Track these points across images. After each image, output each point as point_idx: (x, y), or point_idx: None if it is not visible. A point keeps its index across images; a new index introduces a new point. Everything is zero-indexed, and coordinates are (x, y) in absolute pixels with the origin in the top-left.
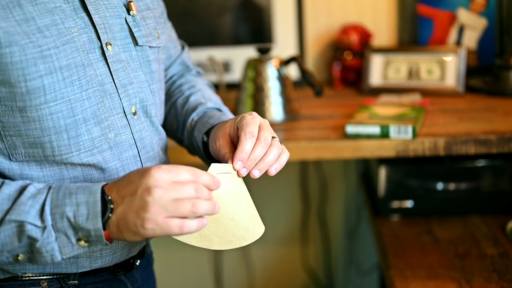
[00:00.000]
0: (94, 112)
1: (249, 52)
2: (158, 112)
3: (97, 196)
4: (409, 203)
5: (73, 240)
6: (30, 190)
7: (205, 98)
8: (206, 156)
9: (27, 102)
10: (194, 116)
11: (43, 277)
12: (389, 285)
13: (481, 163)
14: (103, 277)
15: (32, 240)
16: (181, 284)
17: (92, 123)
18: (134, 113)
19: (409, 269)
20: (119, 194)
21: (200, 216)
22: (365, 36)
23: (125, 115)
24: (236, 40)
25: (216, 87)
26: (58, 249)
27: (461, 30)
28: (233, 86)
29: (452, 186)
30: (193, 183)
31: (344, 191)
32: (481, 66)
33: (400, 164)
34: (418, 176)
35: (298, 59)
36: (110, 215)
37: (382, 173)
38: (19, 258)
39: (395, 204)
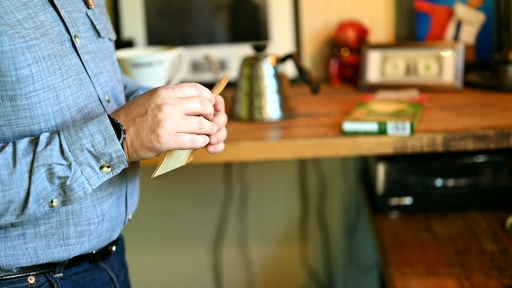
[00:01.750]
0: (75, 100)
1: (245, 50)
2: (124, 101)
3: (107, 122)
4: (408, 200)
5: (97, 168)
6: (42, 139)
7: (135, 83)
8: None
9: (17, 91)
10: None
11: (30, 273)
12: (389, 282)
13: (480, 159)
14: (85, 267)
15: (63, 179)
16: (180, 283)
17: (75, 110)
18: (108, 101)
19: (408, 266)
20: (128, 117)
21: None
22: (362, 33)
23: (101, 102)
24: (232, 38)
25: (213, 85)
26: (86, 181)
27: (458, 25)
28: (230, 85)
29: (451, 182)
30: (198, 97)
31: (343, 188)
32: (479, 61)
33: (399, 161)
34: (416, 173)
35: (294, 56)
36: (125, 135)
37: (381, 170)
38: (54, 204)
39: (394, 201)
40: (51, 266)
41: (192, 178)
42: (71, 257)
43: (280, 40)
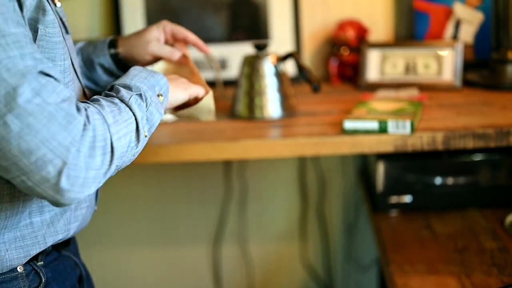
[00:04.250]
0: (75, 90)
1: (246, 48)
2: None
3: (139, 67)
4: (407, 198)
5: (155, 97)
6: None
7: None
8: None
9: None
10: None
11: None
12: (389, 280)
13: (479, 157)
14: (55, 256)
15: (146, 103)
16: (179, 282)
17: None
18: (86, 94)
19: (408, 265)
20: None
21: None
22: (361, 32)
23: (85, 95)
24: (232, 37)
25: (213, 84)
26: (155, 105)
27: (457, 25)
28: (230, 83)
29: (450, 180)
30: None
31: (342, 187)
32: (478, 60)
33: (398, 159)
34: (416, 171)
35: (295, 55)
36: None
37: (380, 169)
38: (146, 132)
39: (394, 199)
40: (35, 255)
41: (191, 176)
42: (57, 241)
43: (280, 39)
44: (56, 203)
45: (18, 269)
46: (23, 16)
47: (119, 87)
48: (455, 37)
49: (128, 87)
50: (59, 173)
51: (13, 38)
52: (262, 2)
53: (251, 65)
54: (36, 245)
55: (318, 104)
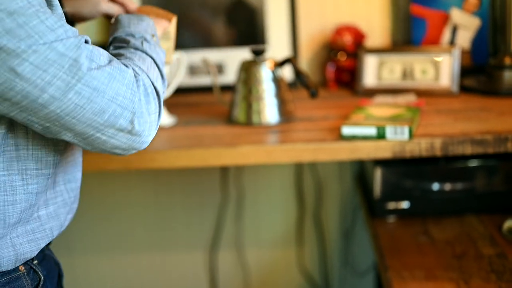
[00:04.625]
0: None
1: (243, 53)
2: None
3: (122, 16)
4: (405, 204)
5: (151, 38)
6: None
7: None
8: None
9: None
10: None
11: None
12: (387, 286)
13: (476, 163)
14: (41, 256)
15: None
16: (176, 286)
17: None
18: None
19: (406, 271)
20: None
21: None
22: (358, 37)
23: None
24: (230, 42)
25: (210, 89)
26: (158, 48)
27: (454, 30)
28: (227, 88)
29: (447, 186)
30: None
31: (339, 192)
32: (475, 65)
33: (396, 165)
34: (413, 177)
35: (292, 60)
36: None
37: (378, 174)
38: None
39: (391, 205)
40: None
41: (188, 181)
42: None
43: (277, 44)
44: (129, 149)
45: (20, 269)
46: None
47: (126, 37)
48: (452, 42)
49: (132, 35)
50: (131, 122)
51: (53, 19)
52: (259, 7)
53: (249, 70)
54: (45, 238)
55: (315, 109)
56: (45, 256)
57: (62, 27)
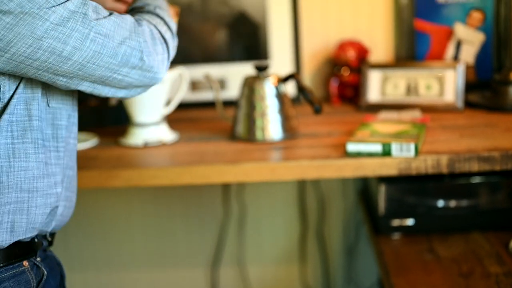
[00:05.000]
0: None
1: (245, 68)
2: None
3: None
4: (409, 221)
5: (164, 6)
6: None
7: None
8: None
9: None
10: None
11: (25, 259)
12: None
13: (481, 179)
14: (43, 255)
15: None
16: None
17: None
18: None
19: None
20: None
21: None
22: (362, 52)
23: None
24: (232, 57)
25: (213, 104)
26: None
27: (458, 45)
28: (230, 103)
29: (452, 203)
30: None
31: (342, 208)
32: (480, 81)
33: (400, 182)
34: (418, 194)
35: (296, 76)
36: None
37: (382, 191)
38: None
39: (396, 222)
40: (33, 252)
41: (190, 197)
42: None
43: (280, 59)
44: (141, 86)
45: (24, 264)
46: None
47: (141, 5)
48: (456, 57)
49: (147, 4)
50: (141, 59)
51: None
52: (261, 22)
53: (252, 86)
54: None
55: (319, 125)
56: (47, 255)
57: None
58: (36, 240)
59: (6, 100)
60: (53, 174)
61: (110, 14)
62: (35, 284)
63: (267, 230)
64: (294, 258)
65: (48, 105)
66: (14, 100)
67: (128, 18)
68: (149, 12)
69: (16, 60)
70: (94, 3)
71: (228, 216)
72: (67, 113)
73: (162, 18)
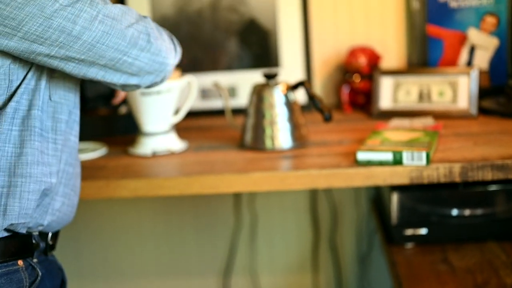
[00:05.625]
0: None
1: (255, 76)
2: None
3: None
4: (423, 231)
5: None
6: None
7: None
8: None
9: None
10: None
11: (19, 258)
12: None
13: (496, 187)
14: (43, 258)
15: None
16: None
17: None
18: None
19: None
20: None
21: None
22: (373, 58)
23: None
24: (242, 65)
25: (222, 112)
26: None
27: (472, 50)
28: (240, 111)
29: (467, 212)
30: None
31: (355, 217)
32: (493, 86)
33: (413, 190)
34: (432, 203)
35: (305, 84)
36: None
37: (395, 200)
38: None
39: (409, 231)
40: (29, 252)
41: (201, 206)
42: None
43: (290, 66)
44: (153, 72)
45: (19, 263)
46: None
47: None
48: (469, 63)
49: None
50: (148, 41)
51: None
52: (272, 29)
53: (261, 94)
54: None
55: (329, 133)
56: (47, 259)
57: None
58: (34, 240)
59: (13, 89)
60: (48, 164)
61: (115, 5)
62: (27, 284)
63: (279, 239)
64: (306, 267)
65: (50, 99)
66: (20, 90)
67: (132, 10)
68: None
69: (29, 39)
70: None
71: (239, 225)
72: (68, 109)
73: (164, 30)
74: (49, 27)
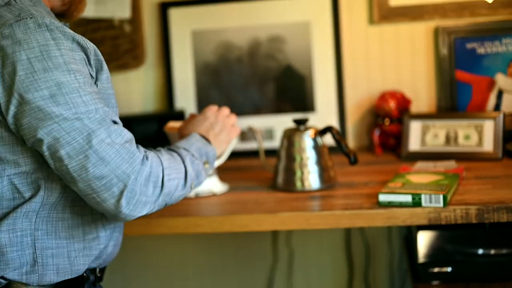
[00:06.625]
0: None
1: (292, 120)
2: None
3: (197, 136)
4: (448, 269)
5: (201, 165)
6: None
7: None
8: None
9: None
10: None
11: None
12: None
13: None
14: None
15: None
16: None
17: None
18: None
19: None
20: (203, 130)
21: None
22: (403, 103)
23: None
24: (279, 109)
25: (257, 153)
26: (203, 170)
27: (500, 95)
28: (272, 153)
29: (492, 251)
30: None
31: (388, 254)
32: None
33: (439, 229)
34: (457, 242)
35: (332, 129)
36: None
37: (421, 239)
38: (192, 185)
39: (435, 269)
40: (81, 285)
41: (240, 242)
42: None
43: (325, 110)
44: (115, 217)
45: None
46: (90, 74)
47: (180, 147)
48: (497, 106)
49: (186, 150)
50: (121, 192)
51: (91, 96)
52: (307, 75)
53: (291, 138)
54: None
55: (357, 175)
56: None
57: (95, 104)
58: (84, 274)
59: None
60: (87, 223)
61: (125, 142)
62: None
63: (314, 275)
64: None
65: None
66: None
67: (136, 155)
68: (179, 155)
69: (24, 125)
70: (115, 127)
71: (276, 261)
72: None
73: (185, 167)
74: (35, 135)
